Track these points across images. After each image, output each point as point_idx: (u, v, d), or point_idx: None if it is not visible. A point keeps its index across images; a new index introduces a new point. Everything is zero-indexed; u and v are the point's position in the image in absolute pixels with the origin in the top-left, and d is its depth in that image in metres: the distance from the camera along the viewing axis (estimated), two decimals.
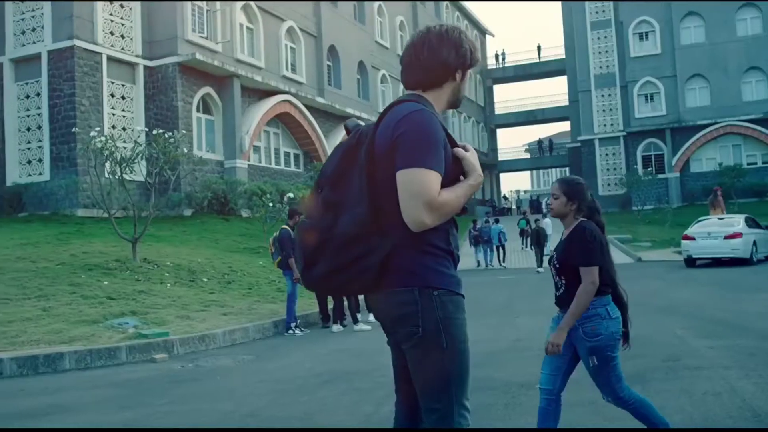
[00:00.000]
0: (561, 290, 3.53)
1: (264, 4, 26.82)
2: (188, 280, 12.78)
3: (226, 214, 22.78)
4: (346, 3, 33.51)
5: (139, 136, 15.01)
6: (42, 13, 20.77)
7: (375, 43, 36.63)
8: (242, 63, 25.31)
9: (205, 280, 13.05)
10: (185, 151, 13.88)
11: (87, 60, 20.44)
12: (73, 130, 16.11)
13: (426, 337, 2.15)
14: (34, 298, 10.24)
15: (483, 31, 56.83)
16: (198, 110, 23.51)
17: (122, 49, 21.82)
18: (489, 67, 57.00)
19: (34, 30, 21.00)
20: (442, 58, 2.28)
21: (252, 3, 26.13)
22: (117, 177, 13.38)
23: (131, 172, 13.86)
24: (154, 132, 13.75)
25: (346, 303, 10.37)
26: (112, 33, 21.50)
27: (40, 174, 20.57)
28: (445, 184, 2.10)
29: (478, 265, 23.82)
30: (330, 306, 10.51)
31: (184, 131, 15.19)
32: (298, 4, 29.22)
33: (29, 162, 20.95)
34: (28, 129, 21.03)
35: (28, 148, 20.98)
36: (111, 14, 21.52)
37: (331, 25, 31.57)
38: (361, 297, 10.77)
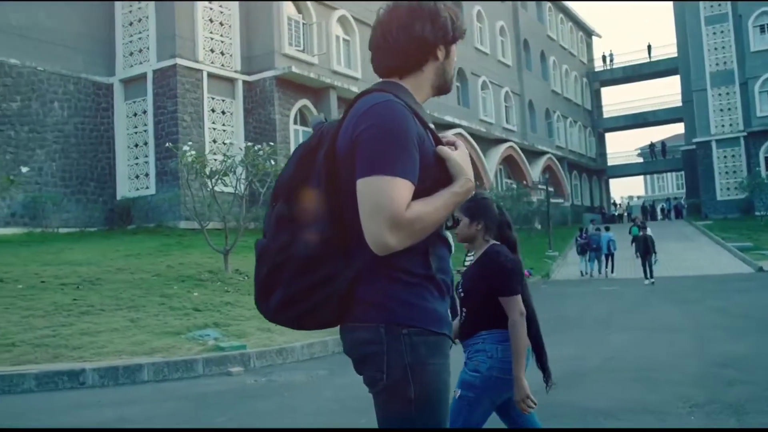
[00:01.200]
0: (463, 321, 3.03)
1: (360, 15, 26.92)
2: None
3: None
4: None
5: (228, 150, 15.25)
6: (148, 35, 21.72)
7: (474, 50, 36.07)
8: (339, 74, 25.48)
9: None
10: (273, 163, 13.92)
11: (188, 77, 21.16)
12: (167, 144, 16.62)
13: (391, 384, 1.72)
14: (126, 309, 10.49)
15: (589, 33, 54.99)
16: (295, 122, 23.83)
17: (222, 65, 22.46)
18: (596, 69, 55.01)
19: (140, 51, 21.99)
20: (416, 33, 1.82)
21: (348, 14, 26.29)
22: (209, 189, 13.64)
23: (225, 185, 14.11)
24: (245, 145, 13.91)
25: None
26: (212, 50, 22.18)
27: (147, 188, 21.44)
28: (424, 193, 1.67)
29: (582, 275, 22.78)
30: None
31: (271, 143, 15.31)
32: None
33: (137, 177, 21.90)
34: (136, 145, 22.00)
35: (136, 164, 21.93)
36: (211, 32, 22.21)
37: None
38: None
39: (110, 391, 7.24)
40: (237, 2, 23.08)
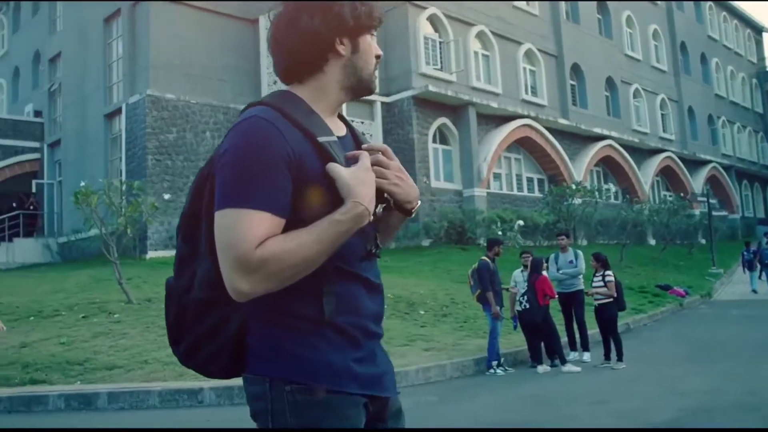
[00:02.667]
0: None
1: (500, 30, 26.50)
2: (404, 313, 12.64)
3: (464, 244, 22.57)
4: (590, 18, 31.94)
5: None
6: None
7: (624, 57, 34.30)
8: (478, 90, 25.15)
9: (422, 312, 12.81)
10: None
11: None
12: None
13: None
14: None
15: (759, 29, 50.64)
16: (434, 141, 23.75)
17: None
18: None
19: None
20: (305, 27, 1.55)
21: (486, 30, 25.94)
22: None
23: None
24: None
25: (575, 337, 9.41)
26: None
27: None
28: (307, 223, 1.42)
29: (755, 292, 20.64)
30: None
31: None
32: (536, 25, 28.50)
33: None
34: None
35: None
36: None
37: (573, 42, 30.21)
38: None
39: (224, 411, 7.39)
40: None
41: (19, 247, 23.53)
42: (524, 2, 28.45)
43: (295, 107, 1.53)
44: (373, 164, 1.58)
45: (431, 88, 22.60)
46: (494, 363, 9.15)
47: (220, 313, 1.52)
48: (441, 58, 24.40)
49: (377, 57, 1.67)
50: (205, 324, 1.54)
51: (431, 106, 23.37)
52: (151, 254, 20.07)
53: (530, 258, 9.67)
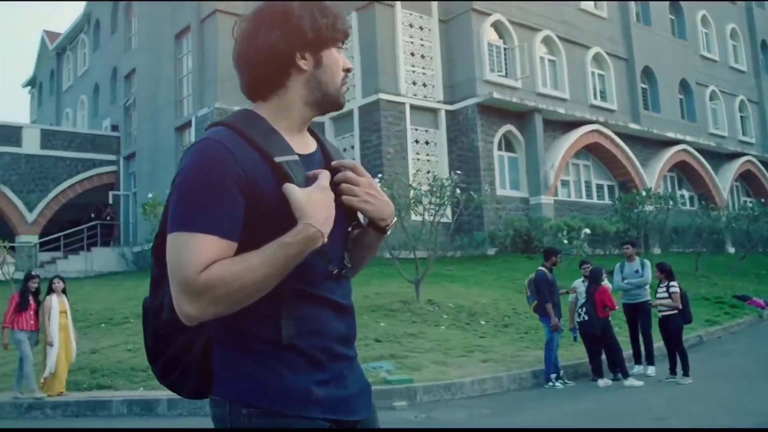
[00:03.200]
0: None
1: (566, 34, 26.01)
2: (464, 323, 12.50)
3: (530, 253, 22.15)
4: (662, 19, 30.96)
5: (413, 180, 15.33)
6: (354, 74, 22.82)
7: (700, 58, 33.08)
8: (544, 96, 24.72)
9: (483, 322, 12.63)
10: (458, 191, 13.78)
11: (391, 111, 21.81)
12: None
13: None
14: None
15: None
16: (500, 148, 23.46)
17: (424, 96, 22.88)
18: None
19: (348, 89, 23.10)
20: (263, 42, 1.52)
21: (553, 34, 25.51)
22: (398, 220, 13.82)
23: (417, 215, 14.27)
24: (422, 173, 13.93)
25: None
26: (414, 83, 22.69)
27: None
28: (262, 245, 1.39)
29: None
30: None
31: (458, 172, 15.19)
32: (604, 28, 27.83)
33: None
34: None
35: None
36: (413, 65, 22.76)
37: (645, 45, 29.33)
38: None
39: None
40: (438, 34, 23.46)
41: (96, 256, 24.49)
42: (592, 5, 27.84)
43: (253, 127, 1.50)
44: (341, 182, 1.54)
45: (496, 95, 22.35)
46: (553, 376, 8.92)
47: (186, 335, 1.52)
48: (506, 64, 24.13)
49: (346, 70, 1.63)
50: (175, 345, 1.54)
51: (496, 113, 23.10)
52: None
53: (589, 268, 9.40)
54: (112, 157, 27.85)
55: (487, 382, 8.71)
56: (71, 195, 26.04)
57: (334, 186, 1.53)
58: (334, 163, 1.59)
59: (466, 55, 23.10)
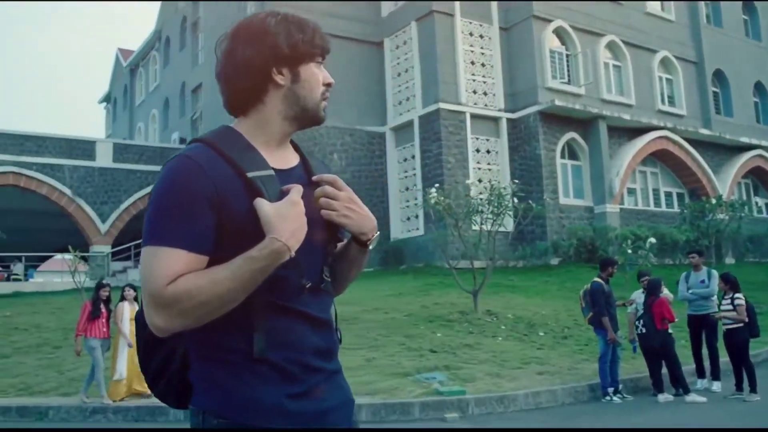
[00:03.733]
0: None
1: (632, 38, 25.40)
2: (522, 334, 12.28)
3: (594, 262, 21.59)
4: (734, 20, 29.87)
5: (470, 190, 15.18)
6: (413, 84, 22.89)
7: None
8: (609, 103, 24.18)
9: (541, 334, 12.39)
10: (515, 201, 13.59)
11: (451, 120, 21.74)
12: (435, 186, 17.02)
13: None
14: (367, 348, 10.87)
15: None
16: (563, 156, 23.06)
17: (485, 105, 22.72)
18: None
19: (408, 99, 23.25)
20: (239, 59, 1.54)
21: (617, 39, 24.95)
22: (461, 228, 13.76)
23: (473, 225, 14.16)
24: (482, 183, 13.80)
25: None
26: (474, 92, 22.57)
27: (417, 229, 22.33)
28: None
29: None
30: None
31: (516, 181, 14.96)
32: (672, 31, 27.06)
33: (408, 219, 22.95)
34: (407, 189, 23.13)
35: (407, 206, 23.01)
36: (473, 74, 22.65)
37: (716, 47, 28.36)
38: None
39: None
40: (499, 42, 23.29)
41: None
42: (659, 7, 27.12)
43: (230, 142, 1.52)
44: (319, 196, 1.56)
45: (558, 102, 22.01)
46: (610, 389, 8.66)
47: (168, 346, 1.56)
48: (568, 71, 23.74)
49: (327, 85, 1.64)
50: (160, 355, 1.58)
51: (559, 120, 22.74)
52: None
53: (648, 279, 9.10)
54: None
55: (542, 395, 8.52)
56: (141, 206, 26.87)
57: (314, 201, 1.55)
58: (314, 177, 1.60)
59: (527, 62, 22.85)
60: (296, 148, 1.69)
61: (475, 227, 14.47)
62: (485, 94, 22.85)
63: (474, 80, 22.66)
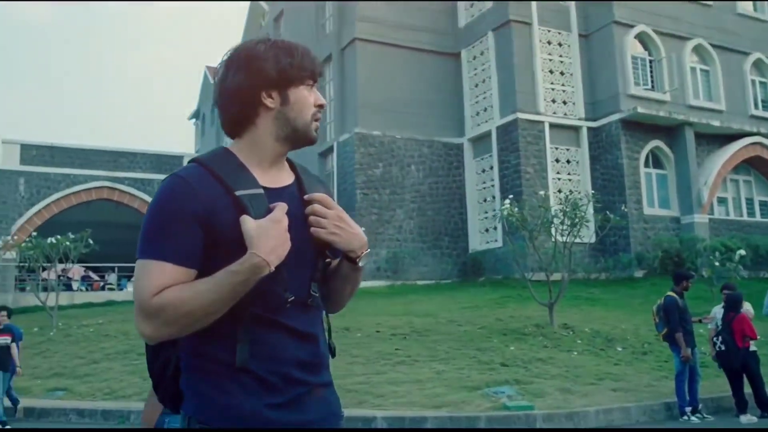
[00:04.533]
0: None
1: (721, 41, 24.35)
2: (599, 349, 11.94)
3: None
4: None
5: (547, 201, 14.87)
6: (491, 94, 22.74)
7: None
8: (696, 109, 23.24)
9: (619, 349, 12.01)
10: (591, 211, 13.25)
11: (530, 130, 21.45)
12: (494, 198, 16.80)
13: None
14: (438, 361, 10.84)
15: None
16: (647, 165, 22.32)
17: (564, 114, 22.31)
18: None
19: (485, 110, 23.11)
20: (229, 84, 1.64)
21: (704, 42, 23.99)
22: (530, 241, 13.53)
23: (551, 237, 13.91)
24: (561, 193, 13.53)
25: None
26: (553, 101, 22.21)
27: (495, 241, 22.08)
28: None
29: None
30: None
31: (592, 191, 14.56)
32: (766, 32, 25.77)
33: (486, 230, 22.75)
34: (485, 200, 22.94)
35: (486, 218, 22.82)
36: (552, 83, 22.30)
37: None
38: None
39: None
40: (578, 49, 22.85)
41: None
42: (750, 7, 25.92)
43: (223, 162, 1.62)
44: (309, 214, 1.62)
45: (641, 109, 21.36)
46: (688, 409, 8.31)
47: (164, 354, 1.66)
48: (652, 77, 22.99)
49: (318, 106, 1.70)
50: (158, 363, 1.68)
51: (642, 128, 22.05)
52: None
53: (727, 293, 8.70)
54: None
55: (614, 413, 8.27)
56: None
57: (305, 218, 1.61)
58: (306, 197, 1.65)
59: (608, 69, 22.30)
60: (292, 168, 1.76)
61: (559, 238, 14.18)
62: (564, 102, 22.44)
63: (553, 89, 22.30)
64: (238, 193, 1.56)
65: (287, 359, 1.56)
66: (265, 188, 1.61)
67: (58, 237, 17.53)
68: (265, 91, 1.63)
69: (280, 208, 1.55)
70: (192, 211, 1.52)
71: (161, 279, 1.49)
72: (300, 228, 1.59)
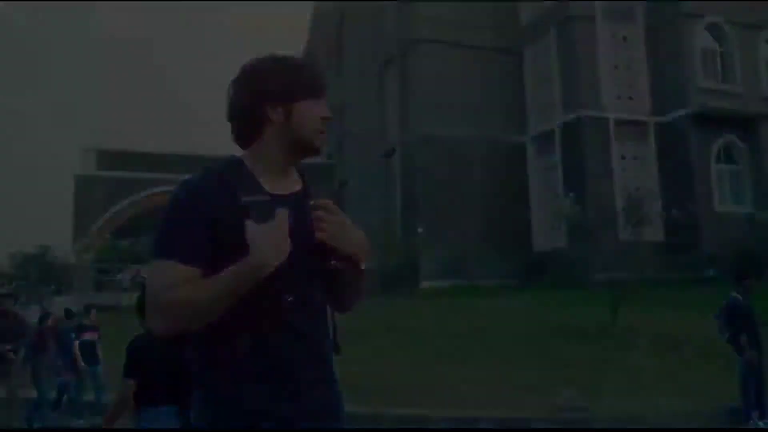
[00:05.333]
0: None
1: None
2: (663, 351, 11.64)
3: (758, 275, 20.01)
4: None
5: (613, 199, 14.60)
6: (554, 92, 22.45)
7: None
8: None
9: (684, 351, 11.68)
10: (659, 209, 12.95)
11: (594, 126, 21.09)
12: (558, 197, 16.60)
13: None
14: (497, 361, 10.81)
15: None
16: (718, 161, 21.59)
17: (630, 110, 21.81)
18: None
19: (548, 108, 22.82)
20: (234, 100, 1.77)
21: None
22: (593, 241, 13.32)
23: (618, 236, 13.68)
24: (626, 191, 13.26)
25: None
26: (618, 97, 21.76)
27: (560, 240, 21.77)
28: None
29: None
30: None
31: (652, 189, 14.19)
32: None
33: (551, 230, 22.43)
34: (549, 199, 22.64)
35: (550, 217, 22.51)
36: (617, 79, 21.85)
37: None
38: None
39: None
40: (644, 43, 22.30)
41: None
42: None
43: (232, 170, 1.75)
44: (313, 219, 1.73)
45: (711, 103, 20.66)
46: (755, 414, 8.02)
47: (183, 352, 1.80)
48: (722, 69, 22.22)
49: (324, 118, 1.80)
50: (177, 362, 1.88)
51: (713, 123, 21.34)
52: (424, 284, 21.17)
53: None
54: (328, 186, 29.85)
55: (676, 416, 8.08)
56: None
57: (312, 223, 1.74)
58: (311, 202, 1.75)
59: (675, 63, 21.70)
60: (302, 175, 1.87)
61: (619, 238, 13.96)
62: (630, 98, 21.95)
63: (618, 85, 21.84)
64: (244, 199, 1.68)
65: (287, 356, 1.67)
66: (271, 195, 1.73)
67: (133, 240, 18.29)
68: (271, 105, 1.75)
69: (282, 213, 1.66)
70: (201, 215, 1.66)
71: (171, 277, 1.62)
72: (304, 232, 1.69)
